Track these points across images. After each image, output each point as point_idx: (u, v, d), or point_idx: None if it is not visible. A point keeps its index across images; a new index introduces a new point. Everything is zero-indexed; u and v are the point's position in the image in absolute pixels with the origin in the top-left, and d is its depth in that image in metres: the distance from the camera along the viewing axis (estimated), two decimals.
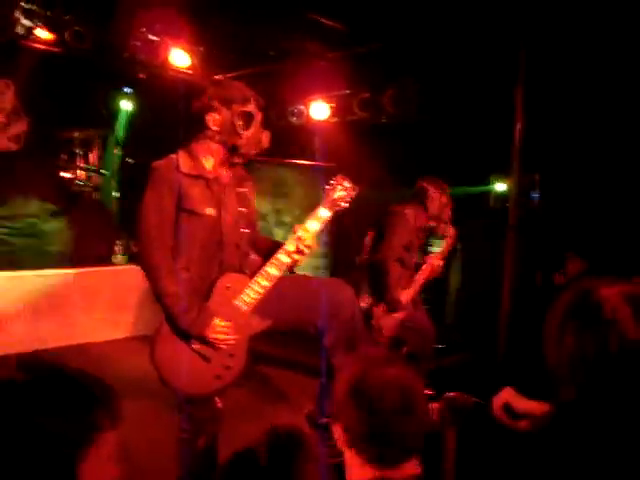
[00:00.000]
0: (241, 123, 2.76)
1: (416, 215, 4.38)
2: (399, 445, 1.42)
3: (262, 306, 2.75)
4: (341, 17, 5.57)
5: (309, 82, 6.96)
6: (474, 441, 2.31)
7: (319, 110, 7.25)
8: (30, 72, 6.62)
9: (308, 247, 2.76)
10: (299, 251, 2.76)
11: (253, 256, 2.95)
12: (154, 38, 6.56)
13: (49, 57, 6.39)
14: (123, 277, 6.34)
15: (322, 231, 2.83)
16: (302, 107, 7.46)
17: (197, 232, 2.72)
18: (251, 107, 2.80)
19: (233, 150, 2.81)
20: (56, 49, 6.30)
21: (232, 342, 2.70)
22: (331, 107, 7.17)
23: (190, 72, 6.90)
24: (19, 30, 5.99)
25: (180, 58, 6.62)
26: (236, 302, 2.73)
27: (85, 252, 6.41)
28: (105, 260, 6.56)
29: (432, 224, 4.46)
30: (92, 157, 7.27)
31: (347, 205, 2.88)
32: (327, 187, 2.86)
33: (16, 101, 7.19)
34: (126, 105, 7.77)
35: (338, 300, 2.85)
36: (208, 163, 2.80)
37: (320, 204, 2.83)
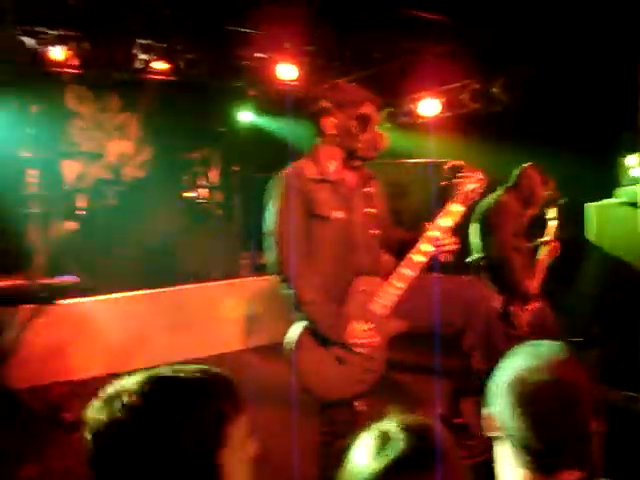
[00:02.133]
0: (357, 125, 2.71)
1: (515, 200, 4.20)
2: (557, 449, 1.28)
3: (398, 307, 2.70)
4: (443, 9, 5.46)
5: (416, 80, 6.88)
6: (625, 435, 2.16)
7: (429, 106, 7.15)
8: (150, 102, 7.03)
9: (443, 245, 2.67)
10: (434, 249, 2.67)
11: (386, 257, 2.91)
12: (261, 55, 6.75)
13: (166, 86, 6.76)
14: (251, 289, 6.53)
15: (455, 227, 2.72)
16: (412, 105, 7.38)
17: (327, 236, 2.71)
18: (367, 109, 2.73)
19: (352, 153, 2.77)
20: (172, 78, 6.66)
21: (372, 345, 2.67)
22: (441, 102, 7.04)
23: (298, 84, 7.03)
24: (137, 65, 6.39)
25: (287, 71, 6.75)
26: (372, 305, 2.70)
27: (213, 267, 6.67)
28: (233, 273, 6.80)
29: (533, 208, 4.26)
30: (212, 175, 7.57)
31: (479, 197, 2.78)
32: (456, 180, 2.73)
33: (140, 131, 7.67)
34: (241, 122, 8.06)
35: (474, 299, 2.77)
36: (331, 166, 2.78)
37: (450, 199, 2.71)
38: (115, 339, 5.49)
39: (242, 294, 6.46)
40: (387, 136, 2.80)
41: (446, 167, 2.82)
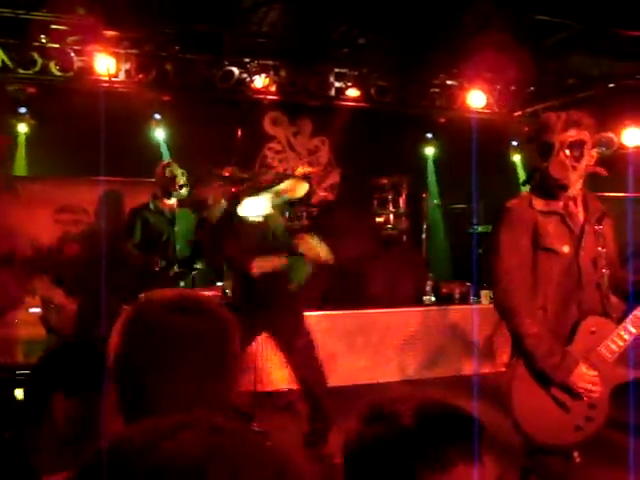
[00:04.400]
0: (569, 154, 2.50)
1: None
2: None
3: (626, 355, 2.53)
4: None
5: (619, 107, 6.43)
6: None
7: (633, 136, 6.64)
8: (341, 128, 7.28)
9: None
10: None
11: (614, 298, 2.69)
12: (452, 82, 6.73)
13: (357, 112, 6.98)
14: (433, 317, 6.49)
15: None
16: (612, 135, 6.91)
17: (553, 270, 2.56)
18: (577, 134, 2.49)
19: (558, 187, 2.57)
20: (363, 104, 6.86)
21: (597, 393, 2.49)
22: None
23: (487, 111, 6.90)
24: (332, 92, 6.69)
25: (477, 99, 6.67)
26: (601, 349, 2.52)
27: (397, 293, 6.71)
28: (416, 300, 6.79)
29: None
30: (401, 201, 7.64)
31: None
32: None
33: (330, 155, 7.96)
34: (429, 150, 8.08)
35: None
36: (560, 198, 2.60)
37: None
38: None
39: (425, 322, 6.43)
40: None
41: None
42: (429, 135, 8.09)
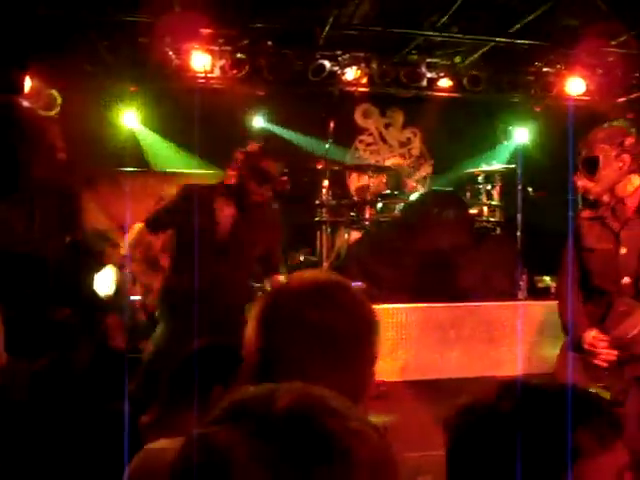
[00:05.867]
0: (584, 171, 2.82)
1: None
2: None
3: None
4: None
5: None
6: None
7: None
8: (433, 119, 7.21)
9: None
10: None
11: None
12: (548, 69, 6.53)
13: (449, 102, 6.89)
14: (526, 312, 6.33)
15: None
16: None
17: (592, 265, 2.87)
18: (587, 152, 2.82)
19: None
20: (455, 94, 6.76)
21: (607, 359, 2.70)
22: None
23: (587, 98, 6.64)
24: (424, 83, 6.63)
25: (576, 85, 6.44)
26: (625, 326, 2.71)
27: (490, 286, 6.58)
28: (509, 295, 6.64)
29: None
30: (495, 193, 7.48)
31: None
32: None
33: (422, 146, 7.90)
34: (523, 139, 7.84)
35: None
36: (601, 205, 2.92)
37: None
38: (387, 348, 5.75)
39: (516, 317, 6.29)
40: None
41: None
42: (524, 124, 7.86)
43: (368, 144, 7.79)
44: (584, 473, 0.85)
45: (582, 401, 0.91)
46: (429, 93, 6.84)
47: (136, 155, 6.74)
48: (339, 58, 6.39)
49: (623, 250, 2.78)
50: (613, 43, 5.83)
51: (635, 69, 6.36)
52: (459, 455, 0.94)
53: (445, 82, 6.68)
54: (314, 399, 0.68)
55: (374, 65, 6.48)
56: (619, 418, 0.92)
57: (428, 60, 6.57)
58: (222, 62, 6.17)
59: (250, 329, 1.12)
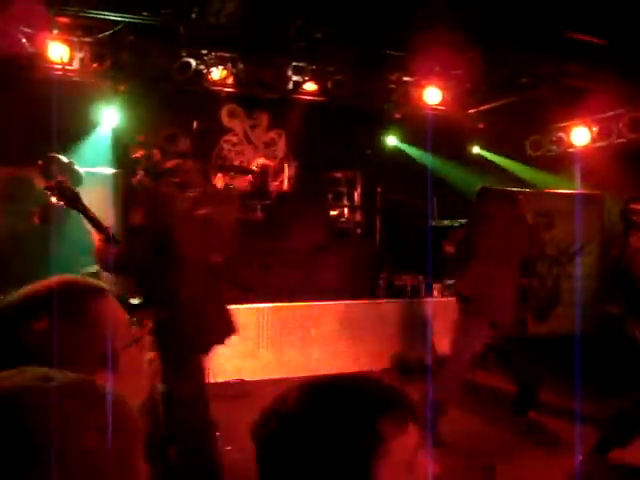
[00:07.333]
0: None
1: None
2: None
3: None
4: (601, 31, 5.20)
5: (568, 107, 6.61)
6: None
7: (581, 135, 6.84)
8: (298, 121, 7.30)
9: None
10: None
11: None
12: (408, 79, 6.80)
13: (314, 106, 7.01)
14: (385, 310, 6.58)
15: None
16: (562, 134, 7.11)
17: None
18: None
19: None
20: (320, 98, 6.89)
21: None
22: (592, 131, 6.72)
23: (443, 108, 7.00)
24: (289, 86, 6.69)
25: (433, 95, 6.76)
26: None
27: (350, 285, 6.77)
28: (369, 293, 6.87)
29: None
30: (356, 195, 7.72)
31: None
32: None
33: (286, 148, 7.98)
34: (385, 144, 8.15)
35: None
36: None
37: None
38: (248, 347, 5.75)
39: (376, 314, 6.51)
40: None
41: None
42: (386, 131, 8.17)
43: (233, 144, 7.76)
44: (386, 459, 0.92)
45: (379, 392, 0.99)
46: (294, 96, 6.91)
47: None
48: (205, 57, 6.29)
49: None
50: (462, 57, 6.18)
51: (481, 82, 6.77)
52: (269, 464, 0.96)
53: (310, 86, 6.78)
54: None
55: (240, 66, 6.44)
56: (412, 402, 1.00)
57: (294, 64, 6.64)
58: (82, 54, 5.89)
59: None
